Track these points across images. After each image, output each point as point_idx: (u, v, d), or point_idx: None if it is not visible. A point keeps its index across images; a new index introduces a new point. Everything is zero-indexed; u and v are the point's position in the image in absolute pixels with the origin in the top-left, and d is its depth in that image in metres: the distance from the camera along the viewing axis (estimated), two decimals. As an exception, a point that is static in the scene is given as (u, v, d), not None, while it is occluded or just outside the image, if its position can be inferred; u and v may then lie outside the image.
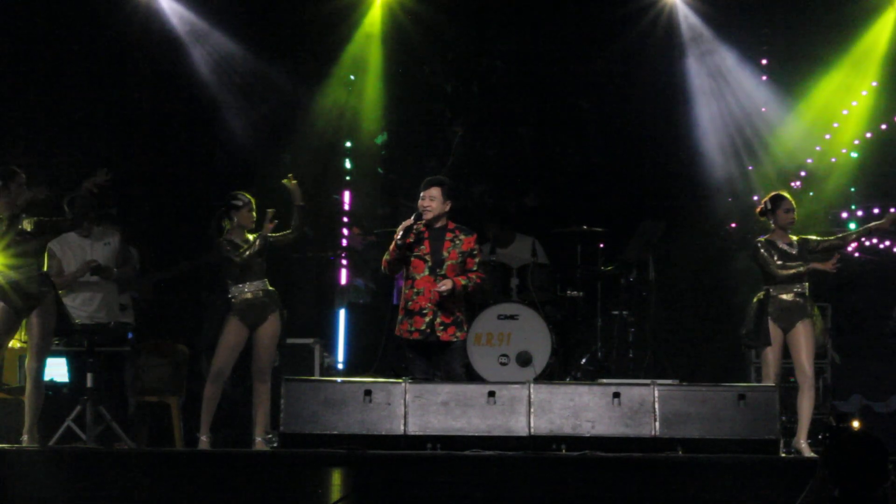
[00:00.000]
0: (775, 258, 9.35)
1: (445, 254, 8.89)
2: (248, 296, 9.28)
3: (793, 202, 9.49)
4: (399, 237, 8.79)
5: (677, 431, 8.62)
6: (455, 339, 8.93)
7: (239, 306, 9.27)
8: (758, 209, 9.69)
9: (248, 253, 9.21)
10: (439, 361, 8.97)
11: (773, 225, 9.47)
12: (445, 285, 8.77)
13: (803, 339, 9.30)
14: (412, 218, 8.83)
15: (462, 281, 8.85)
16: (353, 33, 12.38)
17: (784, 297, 9.33)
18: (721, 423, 8.66)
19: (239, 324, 9.26)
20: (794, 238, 9.45)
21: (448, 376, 8.93)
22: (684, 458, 8.47)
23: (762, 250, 9.39)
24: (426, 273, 8.85)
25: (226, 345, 9.26)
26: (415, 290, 8.86)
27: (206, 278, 11.18)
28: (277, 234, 9.32)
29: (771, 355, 9.31)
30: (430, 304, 8.82)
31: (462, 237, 8.96)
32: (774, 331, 9.31)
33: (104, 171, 9.05)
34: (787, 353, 9.44)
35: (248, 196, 9.40)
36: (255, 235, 9.29)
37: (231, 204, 9.34)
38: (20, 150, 10.83)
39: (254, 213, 9.38)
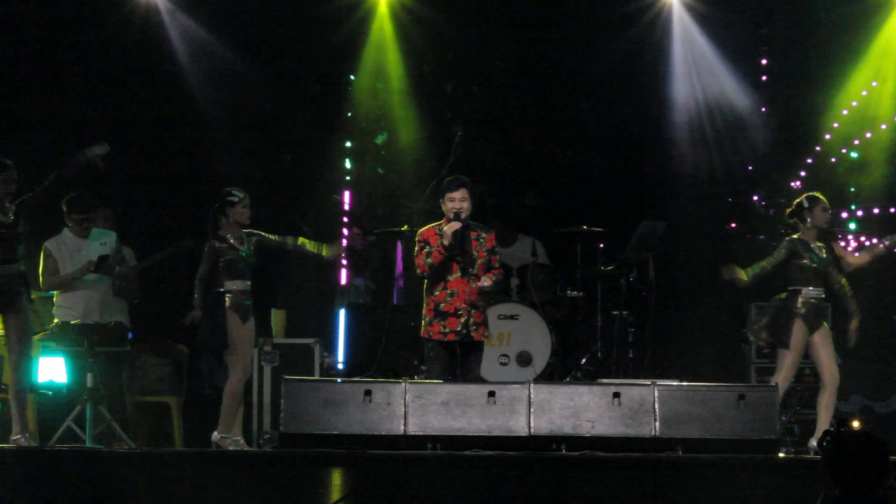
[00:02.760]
0: (803, 260, 9.33)
1: (475, 253, 8.96)
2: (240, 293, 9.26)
3: (827, 203, 9.51)
4: (448, 241, 8.82)
5: (677, 431, 8.63)
6: (483, 339, 9.06)
7: (234, 301, 9.23)
8: (788, 210, 9.67)
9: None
10: (465, 361, 9.03)
11: (807, 224, 9.42)
12: (489, 280, 8.89)
13: (828, 339, 9.38)
14: (456, 222, 8.85)
15: (492, 278, 8.99)
16: (353, 34, 12.37)
17: (813, 298, 9.34)
18: (721, 423, 8.67)
19: (237, 318, 9.23)
20: (820, 242, 9.48)
21: (467, 377, 8.97)
22: (684, 458, 8.47)
23: (789, 247, 9.37)
24: (459, 274, 8.91)
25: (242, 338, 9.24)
26: (448, 291, 8.93)
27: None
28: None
29: (794, 356, 9.28)
30: (465, 305, 8.88)
31: (484, 235, 9.06)
32: (801, 331, 9.31)
33: (104, 146, 9.01)
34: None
35: (243, 192, 9.36)
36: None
37: (226, 200, 9.27)
38: (20, 151, 10.81)
39: (248, 209, 9.35)
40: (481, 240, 9.03)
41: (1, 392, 9.68)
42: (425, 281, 9.05)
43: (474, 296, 8.94)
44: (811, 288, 9.37)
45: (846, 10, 12.08)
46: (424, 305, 9.04)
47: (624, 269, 11.55)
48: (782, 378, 9.30)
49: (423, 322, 9.03)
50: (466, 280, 8.92)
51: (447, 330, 8.92)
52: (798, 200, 9.62)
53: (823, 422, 9.26)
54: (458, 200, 8.94)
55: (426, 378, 9.13)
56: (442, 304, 8.93)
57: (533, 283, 11.19)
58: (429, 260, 8.91)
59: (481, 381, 9.10)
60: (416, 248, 9.02)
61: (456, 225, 8.86)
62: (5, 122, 11.30)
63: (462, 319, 8.91)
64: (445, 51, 12.73)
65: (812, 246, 9.44)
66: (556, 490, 7.82)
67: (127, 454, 8.87)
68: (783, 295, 9.47)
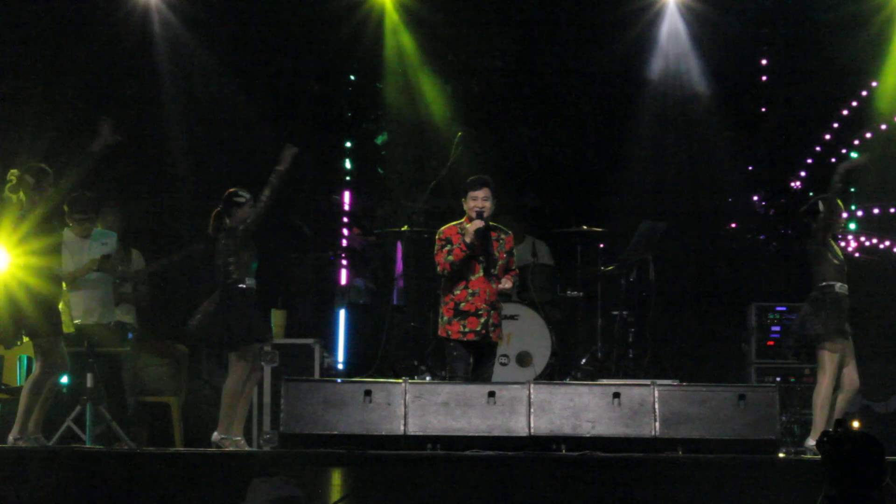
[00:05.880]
0: (829, 255, 9.16)
1: (496, 253, 8.98)
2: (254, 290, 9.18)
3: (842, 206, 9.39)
4: (471, 239, 8.82)
5: (677, 431, 8.62)
6: (498, 340, 9.09)
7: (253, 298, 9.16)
8: (803, 209, 9.44)
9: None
10: (479, 363, 9.03)
11: (821, 226, 9.23)
12: (509, 283, 8.93)
13: (851, 340, 9.16)
14: (479, 221, 8.85)
15: (512, 280, 9.03)
16: (353, 34, 12.37)
17: (845, 295, 9.15)
18: (721, 423, 8.66)
19: None
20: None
21: (480, 379, 8.98)
22: (684, 458, 8.47)
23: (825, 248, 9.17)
24: (481, 274, 8.92)
25: None
26: (469, 290, 8.92)
27: (206, 277, 11.16)
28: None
29: (843, 348, 9.04)
30: (485, 306, 8.90)
31: (503, 236, 9.08)
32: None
33: (108, 126, 8.86)
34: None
35: (249, 193, 9.32)
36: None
37: (233, 201, 9.21)
38: (21, 152, 10.82)
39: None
40: (501, 240, 9.04)
41: (0, 392, 9.70)
42: (442, 279, 9.04)
43: (494, 297, 8.95)
44: (839, 284, 9.20)
45: (847, 10, 12.08)
46: (442, 304, 9.02)
47: (624, 269, 11.55)
48: (829, 377, 8.96)
49: (440, 321, 9.01)
50: (488, 280, 8.92)
51: (467, 329, 8.90)
52: (813, 202, 9.43)
53: (825, 421, 9.12)
54: (480, 200, 8.92)
55: (448, 376, 9.04)
56: (462, 304, 8.92)
57: (533, 284, 11.18)
58: (450, 258, 8.89)
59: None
60: (437, 246, 8.99)
61: (479, 223, 8.86)
62: (5, 122, 11.31)
63: (482, 320, 8.90)
64: (445, 51, 12.74)
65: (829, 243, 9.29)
66: (556, 490, 7.82)
67: (127, 454, 8.87)
68: (816, 294, 9.16)
